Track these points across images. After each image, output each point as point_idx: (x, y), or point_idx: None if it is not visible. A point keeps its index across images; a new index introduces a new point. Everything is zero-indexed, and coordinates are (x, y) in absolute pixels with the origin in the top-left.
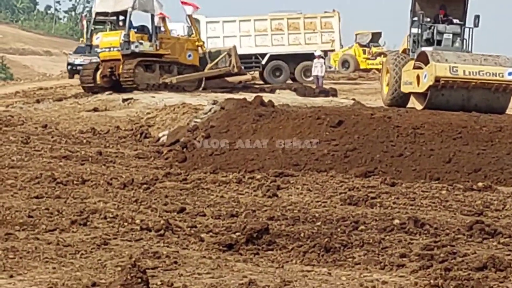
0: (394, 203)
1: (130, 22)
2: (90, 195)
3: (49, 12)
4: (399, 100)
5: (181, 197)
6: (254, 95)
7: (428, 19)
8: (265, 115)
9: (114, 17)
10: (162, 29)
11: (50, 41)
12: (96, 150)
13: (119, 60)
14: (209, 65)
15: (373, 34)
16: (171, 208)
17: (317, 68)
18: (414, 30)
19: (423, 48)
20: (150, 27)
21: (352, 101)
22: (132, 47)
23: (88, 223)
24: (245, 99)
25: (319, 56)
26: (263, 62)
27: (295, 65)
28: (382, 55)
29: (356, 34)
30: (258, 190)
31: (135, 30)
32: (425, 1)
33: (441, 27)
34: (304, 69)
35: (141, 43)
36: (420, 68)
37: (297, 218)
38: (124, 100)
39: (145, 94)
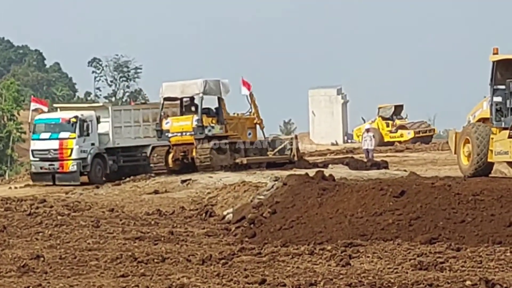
0: (462, 266)
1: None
2: (173, 271)
3: (89, 98)
4: (484, 170)
5: (259, 269)
6: (307, 171)
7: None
8: (329, 188)
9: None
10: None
11: None
12: (167, 230)
13: (191, 144)
14: (272, 151)
15: (395, 106)
16: (252, 280)
17: (367, 141)
18: (497, 99)
19: None
20: (214, 109)
21: (406, 172)
22: (206, 131)
23: None
24: (307, 174)
25: (368, 130)
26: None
27: None
28: (403, 128)
29: (379, 108)
30: (330, 260)
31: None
32: (504, 69)
33: None
34: None
35: (212, 127)
36: None
37: (374, 284)
38: (183, 181)
39: (203, 175)
